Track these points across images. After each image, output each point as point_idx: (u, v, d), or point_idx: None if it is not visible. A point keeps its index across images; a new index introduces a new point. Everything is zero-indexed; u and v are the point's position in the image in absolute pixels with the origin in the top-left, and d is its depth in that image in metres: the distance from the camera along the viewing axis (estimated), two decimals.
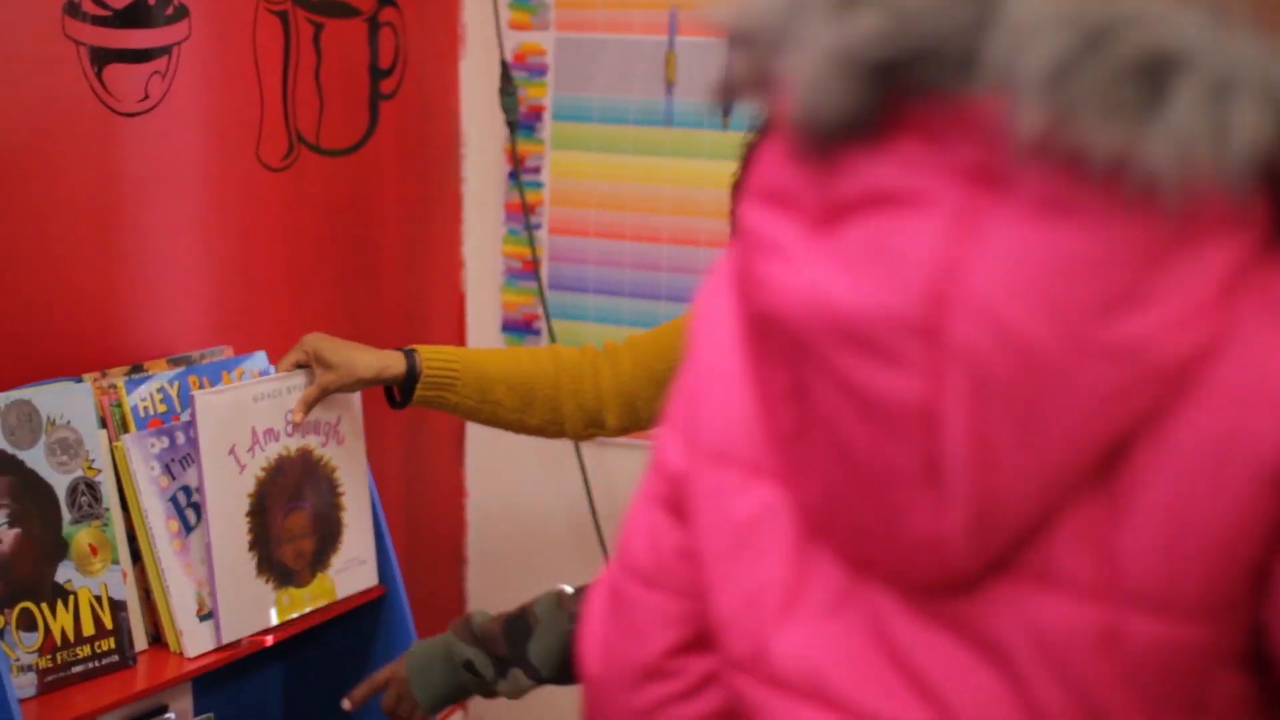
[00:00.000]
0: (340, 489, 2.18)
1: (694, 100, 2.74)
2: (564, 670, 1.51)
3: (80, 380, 1.98)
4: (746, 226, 0.92)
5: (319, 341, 2.01)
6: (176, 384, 2.08)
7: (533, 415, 2.03)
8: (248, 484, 2.05)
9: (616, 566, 1.09)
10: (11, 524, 1.81)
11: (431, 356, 2.00)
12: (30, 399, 1.86)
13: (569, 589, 1.67)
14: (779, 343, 0.91)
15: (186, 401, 2.07)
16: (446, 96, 2.88)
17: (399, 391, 2.03)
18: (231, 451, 2.03)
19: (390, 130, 2.70)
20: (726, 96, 0.92)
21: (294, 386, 2.08)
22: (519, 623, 1.52)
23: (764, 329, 0.93)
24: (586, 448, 2.85)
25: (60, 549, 1.87)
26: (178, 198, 2.24)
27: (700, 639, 1.04)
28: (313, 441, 2.14)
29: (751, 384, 0.97)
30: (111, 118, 2.11)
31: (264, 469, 2.07)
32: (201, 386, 2.10)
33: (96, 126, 2.09)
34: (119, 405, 2.00)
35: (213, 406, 2.00)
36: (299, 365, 2.08)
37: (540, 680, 1.52)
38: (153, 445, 1.99)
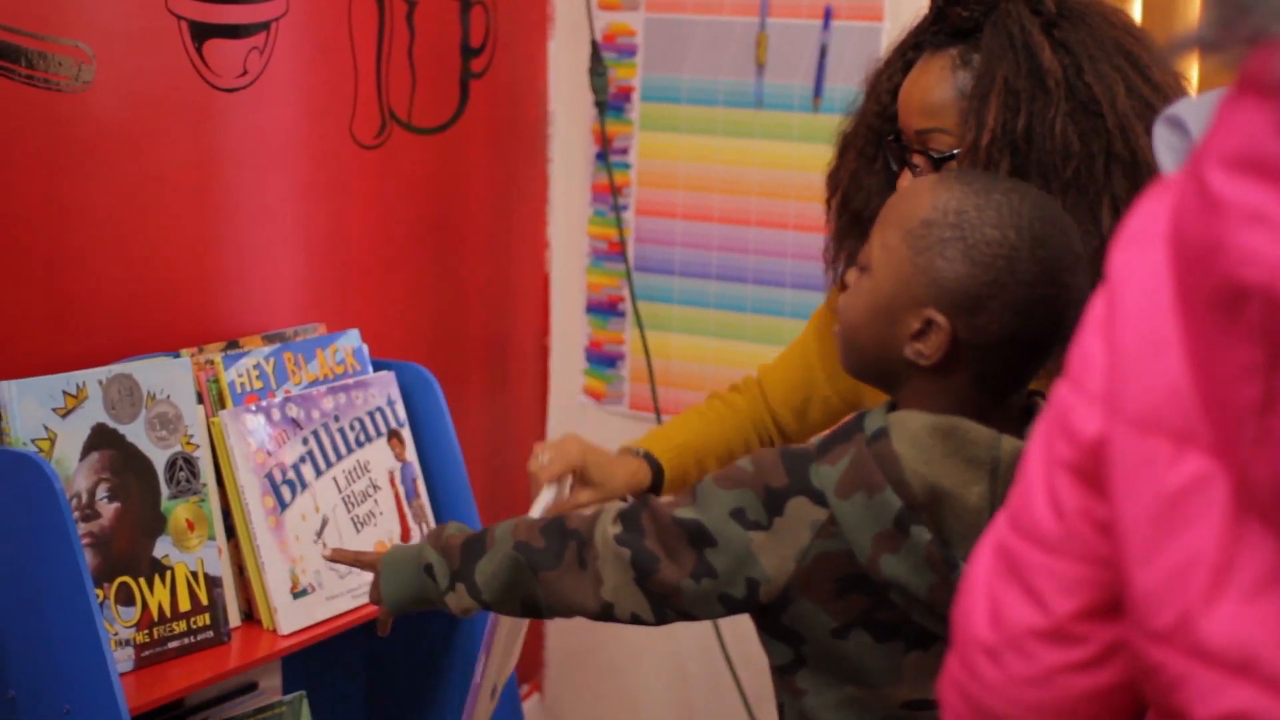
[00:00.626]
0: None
1: (784, 82, 2.71)
2: (504, 598, 1.50)
3: (178, 356, 1.98)
4: (1219, 195, 0.87)
5: (581, 454, 1.85)
6: (272, 360, 2.07)
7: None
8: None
9: (1008, 529, 1.04)
10: (112, 498, 1.82)
11: (665, 454, 1.94)
12: (131, 373, 1.86)
13: (537, 512, 1.63)
14: (1253, 317, 0.87)
15: (282, 377, 2.07)
16: (535, 77, 2.87)
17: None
18: None
19: (480, 109, 2.69)
20: (1201, 47, 0.87)
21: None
22: (476, 541, 1.52)
23: (1227, 301, 0.88)
24: None
25: (158, 524, 1.87)
26: (273, 174, 2.23)
27: (1107, 606, 1.00)
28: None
29: (1187, 353, 0.93)
30: (211, 93, 2.11)
31: None
32: (296, 364, 2.10)
33: (197, 102, 2.09)
34: (216, 381, 2.00)
35: None
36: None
37: (482, 602, 1.51)
38: (249, 421, 1.99)
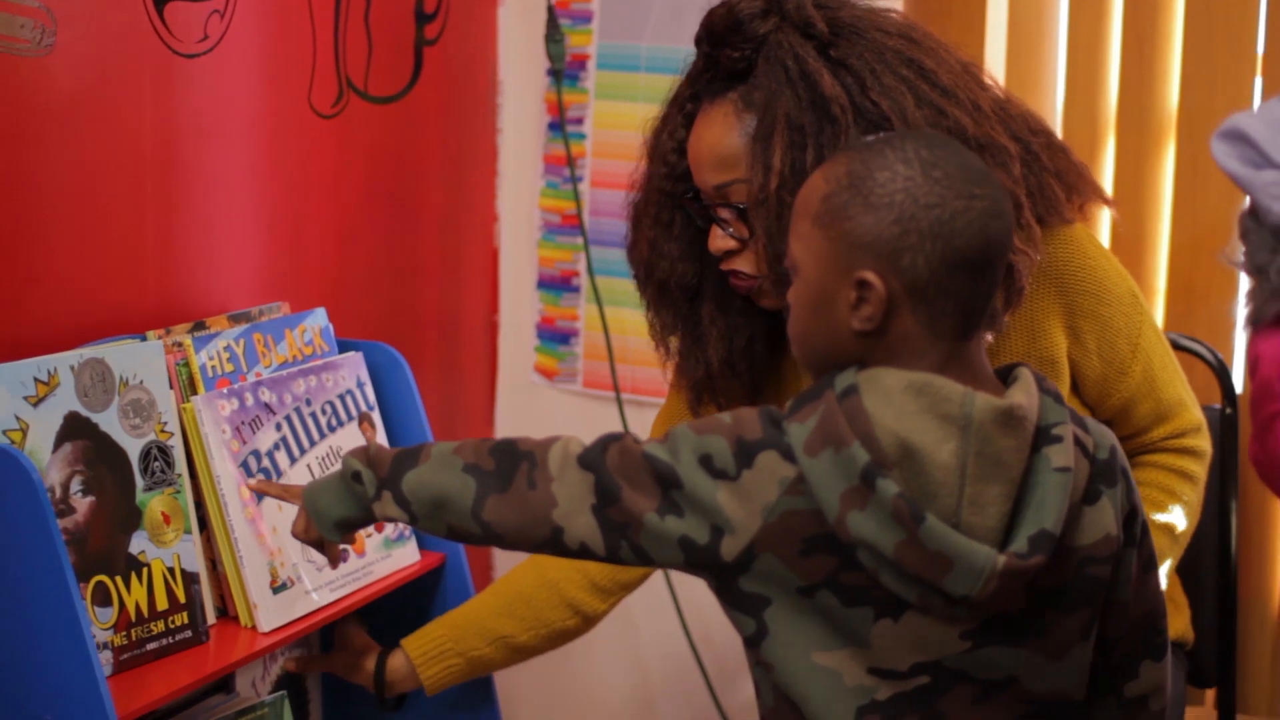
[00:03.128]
0: None
1: None
2: (433, 514, 1.44)
3: (144, 338, 1.86)
4: None
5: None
6: (242, 342, 1.96)
7: (546, 621, 1.97)
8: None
9: None
10: (86, 492, 1.70)
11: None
12: (104, 358, 1.74)
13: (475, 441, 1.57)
14: None
15: (253, 360, 1.96)
16: (485, 43, 2.76)
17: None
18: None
19: (433, 78, 2.58)
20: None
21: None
22: (409, 455, 1.46)
23: None
24: (630, 408, 2.76)
25: (134, 518, 1.75)
26: (233, 144, 2.12)
27: None
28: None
29: None
30: (172, 59, 1.99)
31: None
32: (266, 345, 1.99)
33: (158, 67, 1.97)
34: (186, 365, 1.88)
35: None
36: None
37: (409, 514, 1.45)
38: (223, 407, 1.87)
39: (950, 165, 1.33)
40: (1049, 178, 1.72)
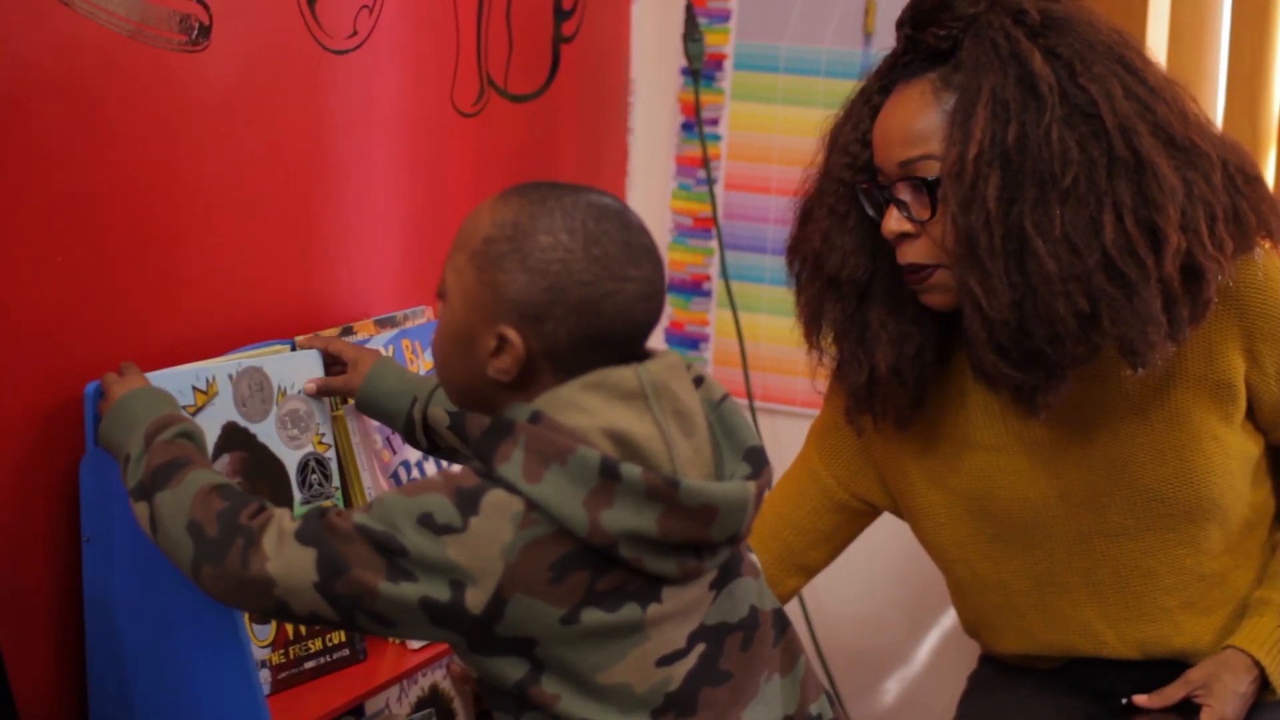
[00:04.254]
0: None
1: None
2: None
3: (293, 345, 1.80)
4: None
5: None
6: (391, 349, 1.90)
7: None
8: None
9: None
10: None
11: None
12: (261, 366, 1.68)
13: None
14: None
15: None
16: (619, 41, 2.69)
17: None
18: None
19: (569, 76, 2.51)
20: None
21: None
22: (175, 466, 1.40)
23: None
24: (763, 417, 2.68)
25: None
26: (378, 144, 2.06)
27: None
28: None
29: None
30: (321, 55, 1.93)
31: None
32: (414, 351, 1.94)
33: (309, 64, 1.91)
34: None
35: None
36: None
37: (152, 529, 1.39)
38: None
39: (612, 244, 1.33)
40: (1242, 201, 1.66)
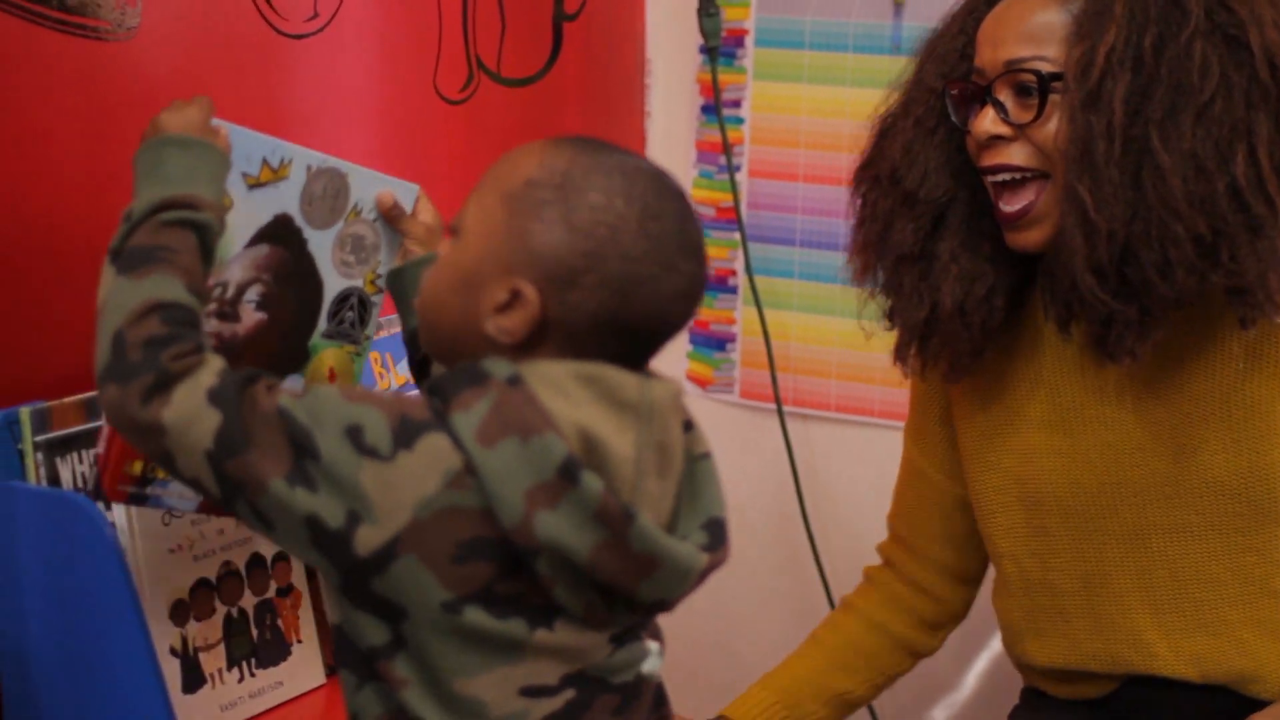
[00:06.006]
0: None
1: (927, 25, 2.35)
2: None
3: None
4: None
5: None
6: (358, 365, 1.73)
7: (884, 669, 1.86)
8: None
9: None
10: (261, 306, 1.45)
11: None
12: (347, 174, 1.49)
13: None
14: None
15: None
16: (632, 19, 2.52)
17: None
18: None
19: (573, 57, 2.34)
20: None
21: None
22: (158, 253, 1.22)
23: None
24: (793, 422, 2.50)
25: (298, 359, 1.51)
26: (349, 134, 1.91)
27: None
28: None
29: None
30: (275, 39, 1.78)
31: None
32: (384, 365, 1.77)
33: (259, 51, 1.77)
34: None
35: None
36: None
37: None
38: None
39: (670, 225, 1.20)
40: None
